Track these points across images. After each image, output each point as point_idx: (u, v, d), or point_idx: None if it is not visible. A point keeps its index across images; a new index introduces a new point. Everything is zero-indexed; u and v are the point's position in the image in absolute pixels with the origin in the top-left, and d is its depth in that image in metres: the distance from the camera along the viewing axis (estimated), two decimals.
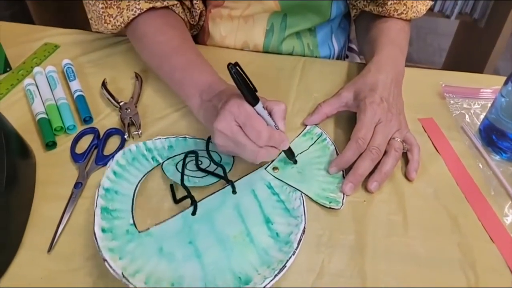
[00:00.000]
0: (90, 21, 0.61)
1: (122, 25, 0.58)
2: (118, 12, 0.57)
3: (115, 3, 0.57)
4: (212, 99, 0.49)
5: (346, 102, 0.55)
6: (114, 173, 0.47)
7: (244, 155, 0.45)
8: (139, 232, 0.43)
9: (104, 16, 0.58)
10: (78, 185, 0.47)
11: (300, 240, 0.41)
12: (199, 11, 0.65)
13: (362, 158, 0.48)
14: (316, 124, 0.56)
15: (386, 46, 0.59)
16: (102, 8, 0.57)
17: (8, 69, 0.63)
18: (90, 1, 0.58)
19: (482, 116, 0.58)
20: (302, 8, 0.65)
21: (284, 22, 0.66)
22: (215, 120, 0.44)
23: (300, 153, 0.52)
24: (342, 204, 0.46)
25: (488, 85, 0.63)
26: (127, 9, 0.57)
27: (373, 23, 0.65)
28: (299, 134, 0.54)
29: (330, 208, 0.45)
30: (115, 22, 0.58)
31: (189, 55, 0.56)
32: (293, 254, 0.40)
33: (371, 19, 0.66)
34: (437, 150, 0.54)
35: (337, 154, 0.51)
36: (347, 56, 0.82)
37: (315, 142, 0.53)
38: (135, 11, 0.57)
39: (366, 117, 0.50)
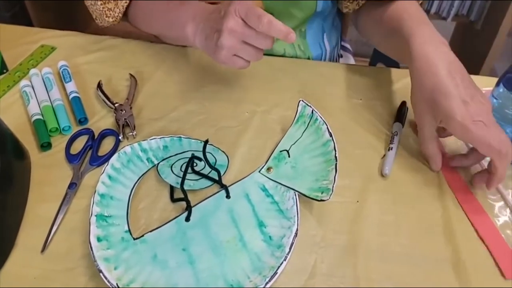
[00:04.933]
0: (96, 21, 0.68)
1: (120, 14, 0.66)
2: (115, 5, 0.65)
3: None
4: (208, 18, 0.51)
5: (430, 123, 0.48)
6: (109, 177, 0.47)
7: (254, 45, 0.48)
8: (134, 239, 0.43)
9: (105, 11, 0.65)
10: (73, 186, 0.48)
11: (292, 244, 0.42)
12: None
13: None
14: (308, 104, 0.53)
15: (419, 26, 0.51)
16: (101, 4, 0.65)
17: (4, 71, 0.63)
18: (92, 3, 0.66)
19: None
20: (285, 5, 0.64)
21: None
22: (223, 22, 0.46)
23: (294, 144, 0.52)
24: (332, 191, 0.44)
25: (483, 87, 0.64)
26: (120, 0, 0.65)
27: (383, 12, 0.59)
28: (292, 123, 0.53)
29: (321, 200, 0.44)
30: (113, 14, 0.66)
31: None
32: (285, 260, 0.40)
33: (376, 10, 0.61)
34: None
35: (330, 133, 0.49)
36: (341, 56, 0.81)
37: (307, 126, 0.53)
38: None
39: (476, 133, 0.44)
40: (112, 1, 0.65)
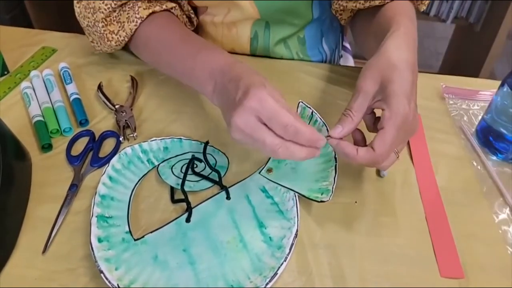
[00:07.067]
0: (92, 44, 0.62)
1: (126, 38, 0.58)
2: (120, 27, 0.58)
3: (115, 18, 0.58)
4: (226, 85, 0.45)
5: (373, 96, 0.44)
6: (110, 178, 0.47)
7: (264, 151, 0.42)
8: (134, 240, 0.43)
9: (106, 34, 0.58)
10: (73, 187, 0.48)
11: (292, 244, 0.42)
12: (194, 16, 0.66)
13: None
14: (308, 106, 0.54)
15: (399, 20, 0.49)
16: (103, 27, 0.57)
17: (5, 73, 0.64)
18: (90, 24, 0.58)
19: (480, 117, 0.59)
20: (281, 13, 0.64)
21: (268, 29, 0.66)
22: (233, 113, 0.40)
23: None
24: (332, 192, 0.45)
25: (483, 89, 0.64)
26: (127, 22, 0.57)
27: (373, 14, 0.57)
28: None
29: (321, 201, 0.44)
30: (118, 38, 0.58)
31: (197, 42, 0.53)
32: (285, 260, 0.41)
33: (369, 14, 0.58)
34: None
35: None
36: (340, 56, 0.81)
37: None
38: (137, 22, 0.57)
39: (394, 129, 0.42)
40: (115, 23, 0.58)
